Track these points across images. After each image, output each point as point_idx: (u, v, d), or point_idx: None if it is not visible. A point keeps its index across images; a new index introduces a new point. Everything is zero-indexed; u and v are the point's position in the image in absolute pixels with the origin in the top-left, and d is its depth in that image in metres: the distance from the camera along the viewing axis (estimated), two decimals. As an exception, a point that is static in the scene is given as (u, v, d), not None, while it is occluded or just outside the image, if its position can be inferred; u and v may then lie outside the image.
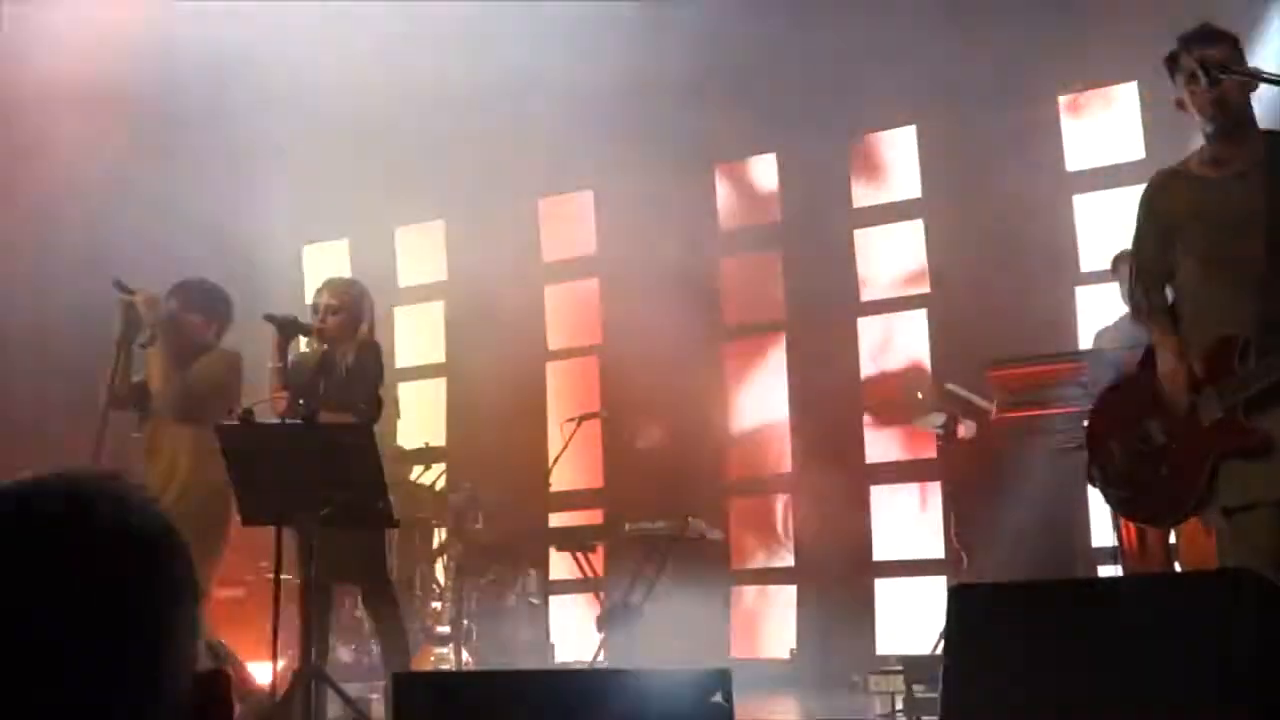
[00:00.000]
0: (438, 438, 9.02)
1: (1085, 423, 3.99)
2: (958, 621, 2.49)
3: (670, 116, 7.96)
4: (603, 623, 7.25)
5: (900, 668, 5.29)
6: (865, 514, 8.04)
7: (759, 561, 8.44)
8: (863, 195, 8.41)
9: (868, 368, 8.23)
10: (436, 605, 7.30)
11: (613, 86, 7.50)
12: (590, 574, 7.63)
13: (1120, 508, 4.01)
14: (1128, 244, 3.87)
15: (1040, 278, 7.38)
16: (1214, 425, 3.41)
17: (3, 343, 7.85)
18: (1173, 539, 5.37)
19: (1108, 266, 6.12)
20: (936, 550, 7.57)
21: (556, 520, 8.79)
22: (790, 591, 8.22)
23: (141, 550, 0.94)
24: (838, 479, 7.96)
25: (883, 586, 7.92)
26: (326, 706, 4.80)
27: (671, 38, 7.53)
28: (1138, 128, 7.42)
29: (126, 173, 7.84)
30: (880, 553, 7.99)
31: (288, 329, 5.07)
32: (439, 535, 7.73)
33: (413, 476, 8.30)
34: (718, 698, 2.35)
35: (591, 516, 8.73)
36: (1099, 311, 6.76)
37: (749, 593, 8.40)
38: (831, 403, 8.12)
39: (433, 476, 8.33)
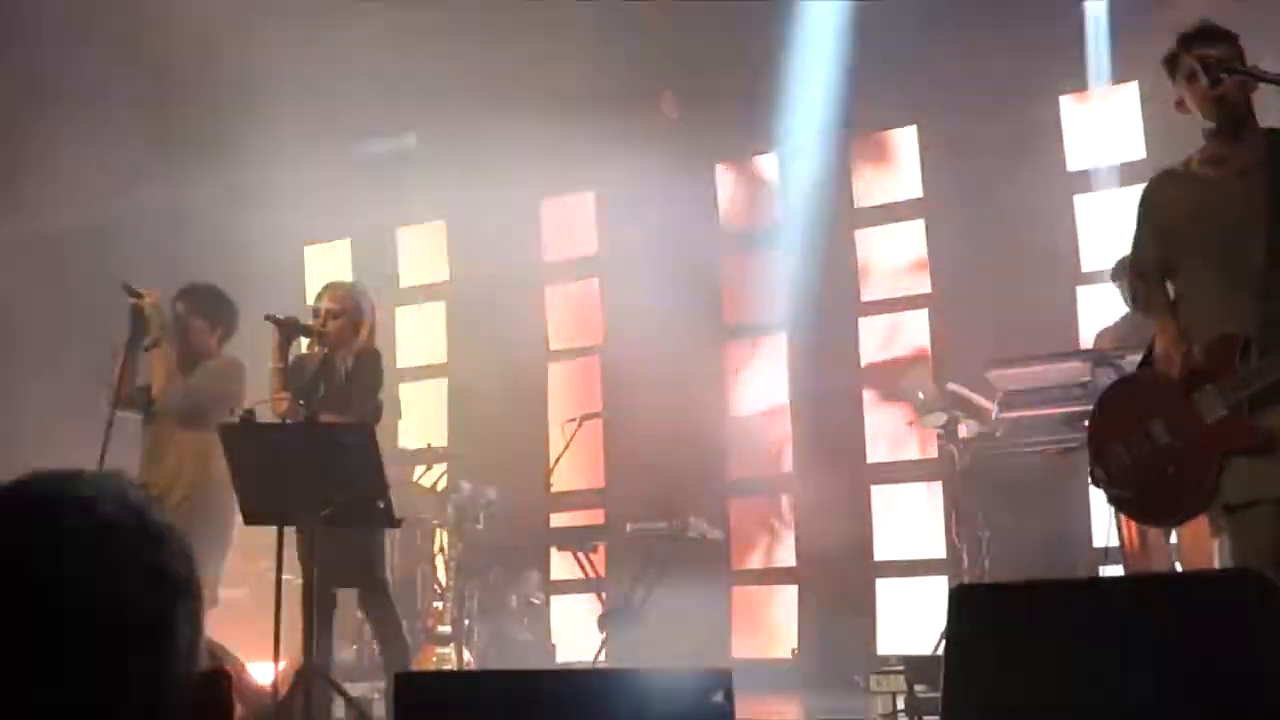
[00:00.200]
0: (439, 438, 9.02)
1: (1086, 423, 3.98)
2: (959, 621, 2.48)
3: (671, 116, 7.96)
4: (604, 623, 7.25)
5: (901, 668, 5.28)
6: (866, 514, 8.04)
7: (760, 561, 8.44)
8: (864, 195, 8.41)
9: (868, 366, 8.22)
10: (438, 605, 7.30)
11: (613, 86, 7.51)
12: (591, 574, 7.63)
13: (1124, 508, 4.01)
14: (1128, 246, 3.87)
15: (1041, 278, 7.37)
16: (1218, 423, 3.41)
17: (10, 345, 7.87)
18: (1173, 539, 5.37)
19: (1108, 266, 6.11)
20: (937, 550, 7.57)
21: (558, 520, 8.80)
22: (791, 591, 8.22)
23: (142, 550, 0.94)
24: (838, 479, 7.96)
25: (884, 586, 7.92)
26: (329, 706, 4.80)
27: (673, 37, 7.54)
28: (1139, 127, 7.41)
29: (128, 174, 7.85)
30: (881, 553, 7.99)
31: (289, 330, 5.08)
32: (440, 535, 7.73)
33: (414, 477, 8.31)
34: (719, 698, 2.35)
35: (592, 516, 8.74)
36: (1099, 311, 6.76)
37: (750, 593, 8.41)
38: (832, 402, 8.11)
39: (434, 477, 8.33)
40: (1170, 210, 3.65)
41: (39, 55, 7.31)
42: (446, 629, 7.09)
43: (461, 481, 7.92)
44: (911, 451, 7.90)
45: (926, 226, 8.15)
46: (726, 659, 7.80)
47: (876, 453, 8.14)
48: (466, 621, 7.08)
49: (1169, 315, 3.65)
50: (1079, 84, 7.63)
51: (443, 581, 7.56)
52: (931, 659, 5.28)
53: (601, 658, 7.08)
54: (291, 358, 5.12)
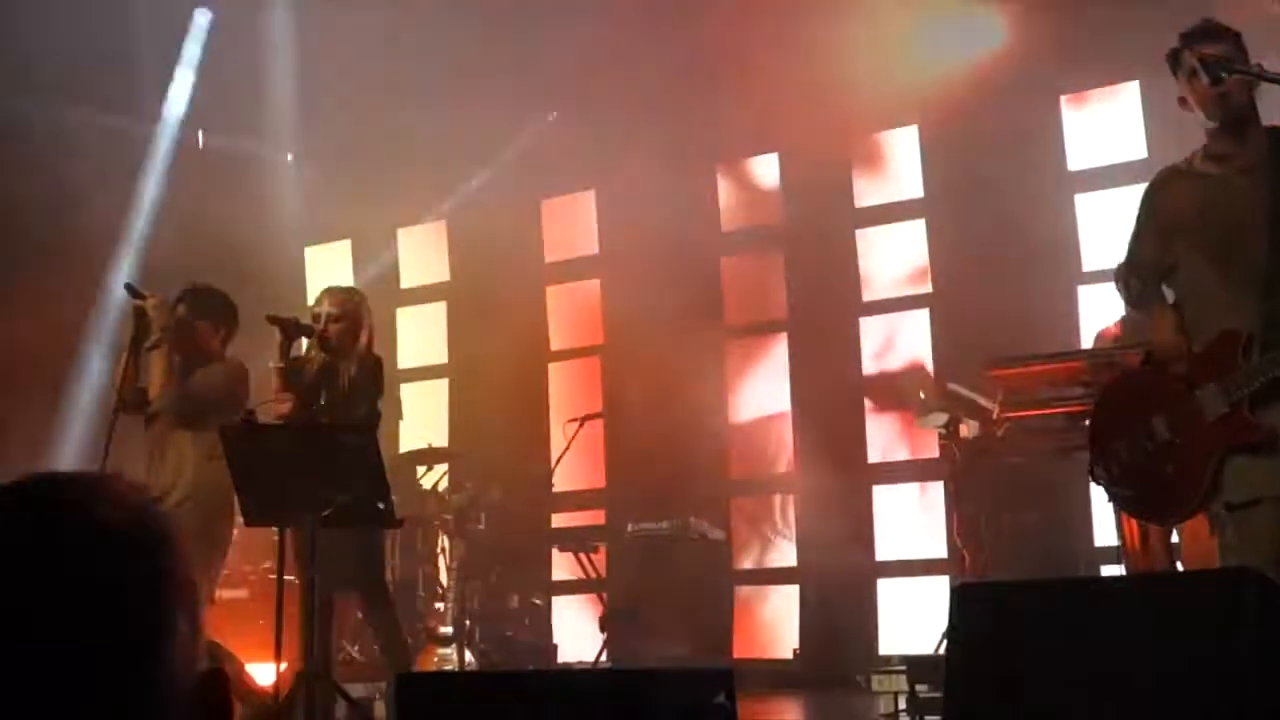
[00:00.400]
0: (440, 438, 9.03)
1: (1087, 422, 3.98)
2: (961, 621, 2.49)
3: (672, 116, 7.96)
4: (605, 623, 7.25)
5: (903, 667, 5.29)
6: (867, 514, 8.03)
7: (761, 561, 8.44)
8: (864, 195, 8.41)
9: (869, 367, 8.22)
10: (439, 606, 7.30)
11: (615, 86, 7.51)
12: (592, 574, 7.63)
13: (1126, 506, 4.00)
14: (1128, 246, 3.86)
15: (1042, 277, 7.37)
16: (1219, 421, 3.41)
17: (12, 345, 7.87)
18: (1175, 538, 5.37)
19: (1109, 265, 6.10)
20: (939, 550, 7.56)
21: (559, 521, 8.80)
22: (792, 591, 8.22)
23: (141, 551, 0.94)
24: (840, 479, 7.96)
25: (885, 586, 7.92)
26: (330, 707, 4.80)
27: (673, 37, 7.54)
28: (1139, 126, 7.41)
29: (129, 175, 7.85)
30: (882, 552, 7.98)
31: (290, 330, 5.08)
32: (441, 536, 7.73)
33: (415, 477, 8.31)
34: (720, 698, 2.35)
35: (594, 517, 8.74)
36: (1100, 311, 6.76)
37: (751, 593, 8.40)
38: (833, 402, 8.11)
39: (435, 477, 8.34)
40: (1173, 207, 3.64)
41: (37, 53, 7.30)
42: (448, 630, 7.09)
43: (463, 482, 7.93)
44: (912, 451, 7.89)
45: (927, 226, 8.15)
46: (727, 659, 7.80)
47: (877, 453, 8.13)
48: (467, 622, 7.08)
49: (1167, 308, 3.65)
50: (1080, 83, 7.62)
51: (444, 582, 7.56)
52: (933, 658, 5.29)
53: (603, 658, 7.08)
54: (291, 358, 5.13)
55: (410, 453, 8.54)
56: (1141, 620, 2.27)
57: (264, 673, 5.04)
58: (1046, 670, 2.29)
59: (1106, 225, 7.29)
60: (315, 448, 4.65)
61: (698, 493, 8.03)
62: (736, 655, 8.01)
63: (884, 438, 8.11)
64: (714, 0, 7.81)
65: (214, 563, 5.15)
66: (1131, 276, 3.79)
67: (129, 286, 5.28)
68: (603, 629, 7.24)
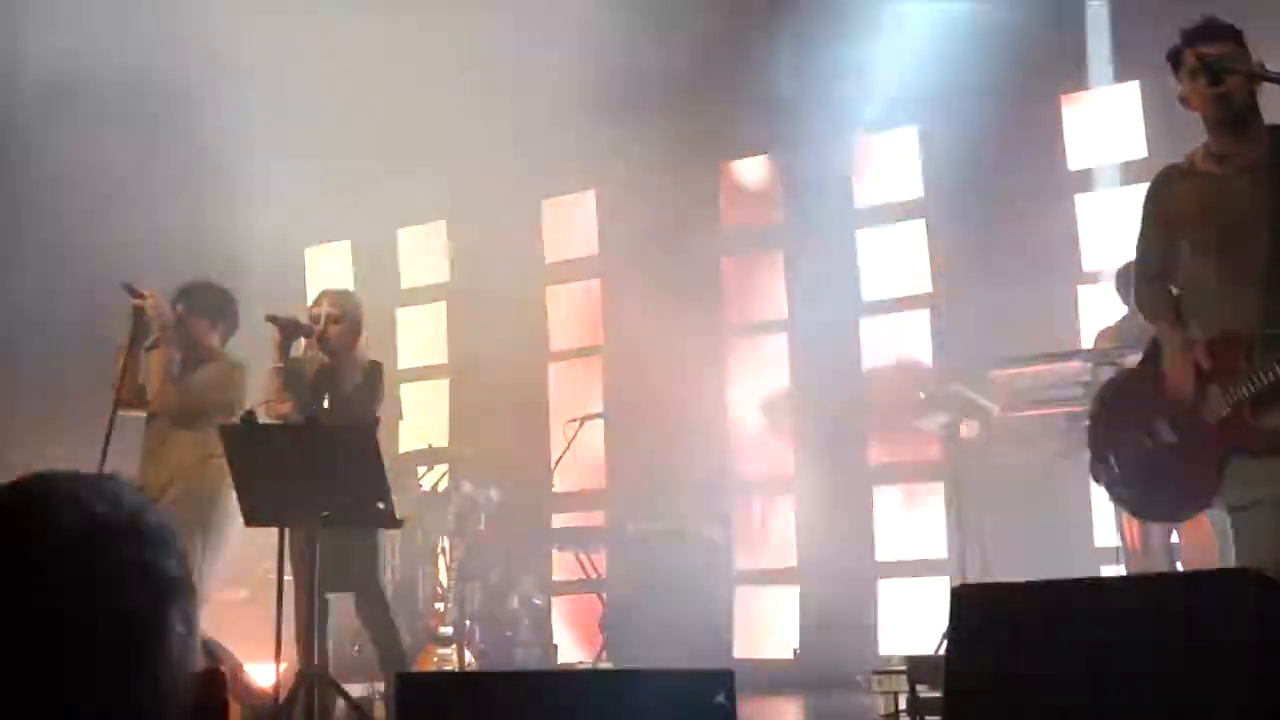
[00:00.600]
0: (440, 439, 9.02)
1: (1088, 422, 3.98)
2: (961, 621, 2.48)
3: (672, 116, 7.96)
4: (605, 623, 7.25)
5: (903, 668, 5.28)
6: (868, 514, 8.03)
7: (761, 562, 8.43)
8: (864, 195, 8.40)
9: (869, 367, 8.22)
10: (439, 606, 7.30)
11: (615, 86, 7.50)
12: (592, 574, 7.63)
13: (1126, 506, 4.00)
14: (1130, 245, 3.86)
15: (1042, 277, 7.37)
16: (1221, 422, 3.40)
17: (11, 345, 7.87)
18: (1175, 538, 5.37)
19: (1109, 266, 6.11)
20: (939, 550, 7.56)
21: (559, 521, 8.79)
22: (793, 592, 8.21)
23: (138, 550, 0.94)
24: (840, 479, 7.96)
25: (885, 587, 7.91)
26: (330, 708, 4.80)
27: (673, 38, 7.53)
28: (1140, 126, 7.41)
29: (129, 176, 7.85)
30: (883, 553, 7.98)
31: (289, 330, 5.08)
32: (441, 536, 7.73)
33: (415, 477, 8.30)
34: (720, 698, 2.35)
35: (594, 517, 8.73)
36: (1100, 311, 6.76)
37: (751, 593, 8.39)
38: (833, 402, 8.11)
39: (435, 477, 8.33)
40: (1175, 206, 3.64)
41: (37, 54, 7.30)
42: (448, 630, 7.09)
43: (463, 482, 7.92)
44: (912, 451, 7.88)
45: (927, 226, 8.15)
46: (727, 659, 7.80)
47: (877, 452, 8.13)
48: (467, 623, 7.08)
49: (1174, 323, 3.63)
50: (1079, 83, 7.62)
51: (444, 583, 7.56)
52: (933, 659, 5.28)
53: (602, 658, 7.07)
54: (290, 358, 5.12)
55: (410, 453, 8.53)
56: (1142, 621, 2.26)
57: (264, 673, 5.04)
58: (1046, 670, 2.29)
59: (1106, 225, 7.29)
60: (315, 448, 4.65)
61: (697, 492, 8.03)
62: (736, 655, 8.00)
63: (884, 438, 8.10)
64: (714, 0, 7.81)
65: (211, 562, 5.14)
66: (1139, 281, 3.78)
67: (126, 285, 5.26)
68: (603, 629, 7.24)
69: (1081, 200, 7.63)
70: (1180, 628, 2.20)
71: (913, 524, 7.89)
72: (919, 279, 8.15)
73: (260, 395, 5.08)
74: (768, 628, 8.24)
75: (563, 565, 8.43)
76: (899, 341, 8.21)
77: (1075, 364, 5.95)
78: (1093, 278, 7.33)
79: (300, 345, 5.29)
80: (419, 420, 9.25)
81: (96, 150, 7.69)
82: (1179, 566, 5.31)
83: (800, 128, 8.23)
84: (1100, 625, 2.30)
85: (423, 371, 9.83)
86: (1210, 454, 3.41)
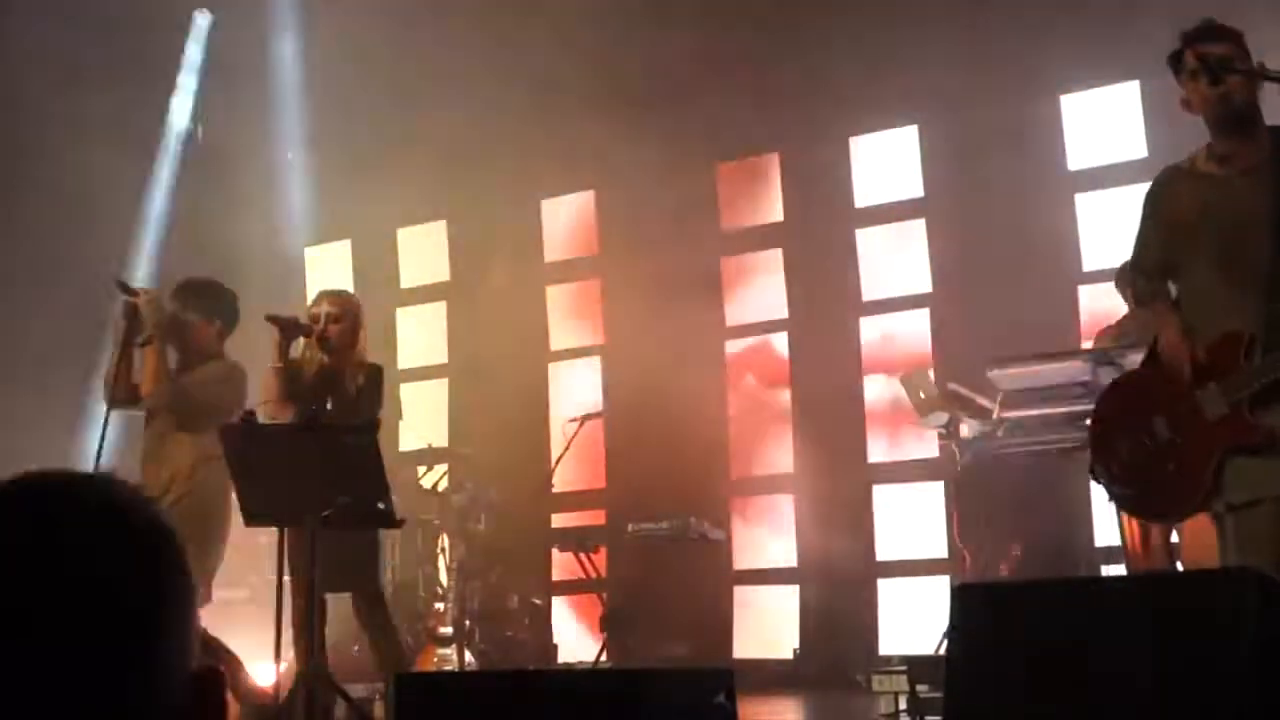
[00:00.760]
0: (440, 439, 9.02)
1: (1089, 421, 3.98)
2: (961, 621, 2.48)
3: (671, 116, 7.96)
4: (605, 623, 7.25)
5: (903, 667, 5.28)
6: (867, 514, 8.03)
7: (761, 561, 8.43)
8: (864, 195, 8.40)
9: (869, 367, 8.22)
10: (439, 606, 7.30)
11: (614, 86, 7.51)
12: (592, 574, 7.62)
13: (1125, 505, 4.00)
14: (1131, 245, 3.86)
15: (1042, 277, 7.37)
16: (1220, 421, 3.41)
17: (6, 344, 7.86)
18: (1175, 538, 5.37)
19: (1109, 265, 6.11)
20: (939, 550, 7.56)
21: (559, 521, 8.79)
22: (793, 591, 8.21)
23: (137, 549, 0.93)
24: (840, 478, 7.96)
25: (885, 586, 7.91)
26: (331, 707, 4.80)
27: (673, 37, 7.54)
28: (1140, 126, 7.41)
29: (128, 175, 7.85)
30: (883, 552, 7.98)
31: (289, 330, 5.06)
32: (441, 536, 7.73)
33: (416, 477, 8.30)
34: (720, 698, 2.35)
35: (594, 517, 8.73)
36: (1100, 311, 6.76)
37: (751, 592, 8.40)
38: (833, 402, 8.11)
39: (435, 477, 8.33)
40: (1176, 207, 3.64)
41: (33, 57, 7.30)
42: (448, 630, 7.09)
43: (462, 482, 7.92)
44: (912, 451, 7.88)
45: (927, 226, 8.15)
46: (727, 659, 7.80)
47: (877, 452, 8.13)
48: (467, 623, 7.08)
49: (1172, 309, 3.64)
50: (1079, 82, 7.62)
51: (444, 583, 7.56)
52: (933, 659, 5.28)
53: (603, 658, 7.07)
54: (291, 358, 5.11)
55: (410, 453, 8.53)
56: (1142, 620, 2.26)
57: (263, 673, 5.04)
58: (1046, 670, 2.29)
59: (1106, 225, 7.29)
60: (315, 448, 4.64)
61: (698, 493, 8.03)
62: (736, 655, 8.01)
63: (884, 437, 8.10)
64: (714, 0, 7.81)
65: (211, 562, 5.14)
66: (1138, 276, 3.79)
67: (120, 283, 5.23)
68: (603, 629, 7.24)
69: (1081, 200, 7.63)
70: (1180, 628, 2.20)
71: (912, 524, 7.89)
72: (919, 278, 8.15)
73: (261, 395, 5.06)
74: (768, 627, 8.24)
75: (563, 565, 8.43)
76: (899, 341, 8.21)
77: (1075, 363, 5.95)
78: (1093, 277, 7.33)
79: (300, 345, 5.28)
80: (419, 420, 9.25)
81: (96, 149, 7.70)
82: (1179, 566, 5.31)
83: (800, 127, 8.23)
84: (1100, 625, 2.30)
85: (422, 371, 9.83)
86: (1210, 453, 3.41)
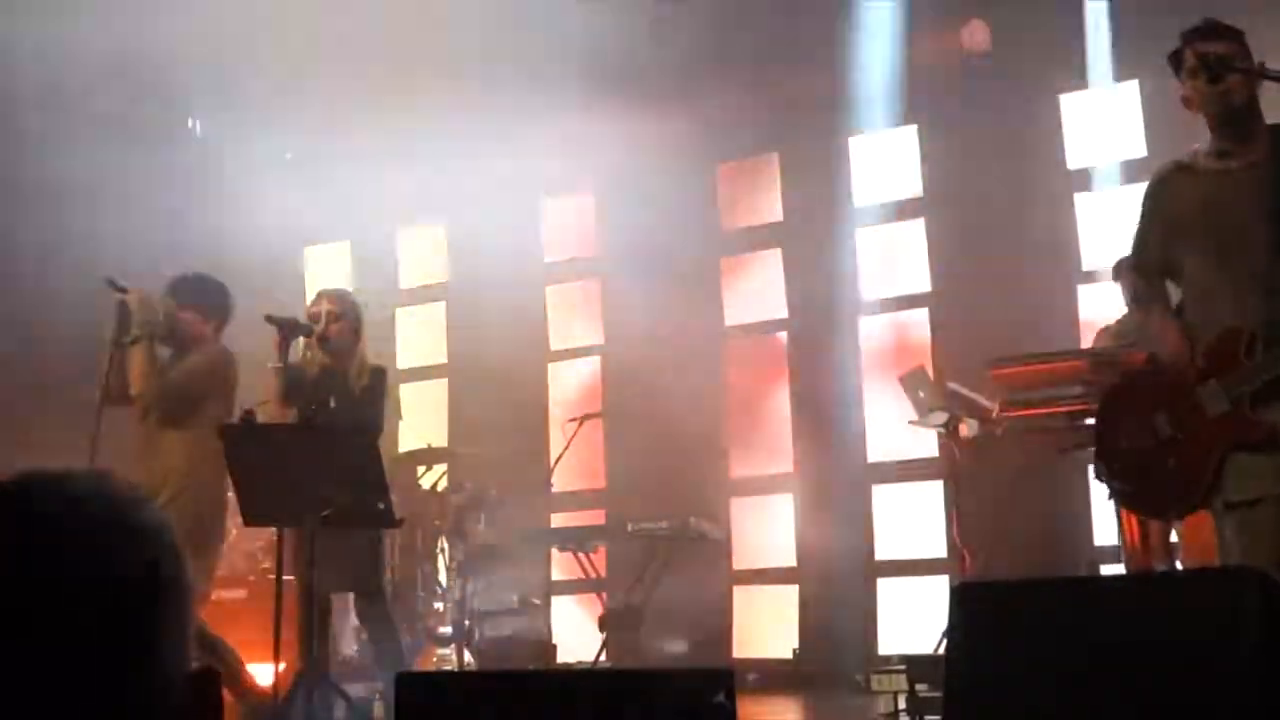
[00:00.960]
0: (439, 438, 9.02)
1: (1090, 420, 3.98)
2: (961, 620, 2.48)
3: (671, 115, 7.96)
4: (605, 623, 7.25)
5: (903, 667, 5.28)
6: (867, 513, 8.03)
7: (761, 561, 8.43)
8: (864, 194, 8.40)
9: (868, 367, 8.22)
10: (439, 606, 7.30)
11: (614, 85, 7.50)
12: (592, 574, 7.62)
13: (1126, 501, 4.00)
14: (1130, 244, 3.86)
15: (1041, 276, 7.37)
16: (1220, 418, 3.41)
17: (6, 342, 7.86)
18: (1174, 537, 5.37)
19: (1109, 265, 6.11)
20: (939, 550, 7.56)
21: (558, 520, 8.78)
22: (792, 591, 8.21)
23: (134, 549, 0.93)
24: (839, 478, 7.96)
25: (885, 586, 7.91)
26: (330, 707, 4.80)
27: (674, 37, 7.53)
28: (1139, 125, 7.40)
29: (126, 174, 7.84)
30: (882, 552, 7.98)
31: (289, 330, 5.06)
32: (441, 536, 7.73)
33: (415, 477, 8.30)
34: (720, 698, 2.35)
35: (593, 516, 8.73)
36: (1100, 310, 6.76)
37: (750, 592, 8.40)
38: (833, 402, 8.11)
39: (435, 477, 8.33)
40: (1176, 202, 3.64)
41: (32, 55, 7.29)
42: (447, 630, 7.09)
43: (462, 482, 7.92)
44: (912, 451, 7.88)
45: (927, 225, 8.14)
46: (727, 659, 7.80)
47: (877, 452, 8.12)
48: (467, 622, 7.07)
49: (1170, 316, 3.64)
50: (1079, 82, 7.62)
51: (443, 582, 7.56)
52: (933, 658, 5.28)
53: (602, 658, 7.07)
54: (291, 359, 5.10)
55: (409, 452, 8.52)
56: (1142, 619, 2.26)
57: (263, 673, 5.03)
58: (1046, 670, 2.29)
59: (1106, 224, 7.29)
60: (315, 448, 4.64)
61: (697, 492, 8.03)
62: (736, 655, 8.01)
63: (883, 437, 8.10)
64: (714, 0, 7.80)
65: (208, 560, 5.13)
66: (1136, 274, 3.79)
67: (110, 280, 5.22)
68: (602, 629, 7.24)
69: (1081, 199, 7.63)
70: (1180, 627, 2.20)
71: (912, 523, 7.88)
72: (918, 278, 8.15)
73: (259, 397, 5.06)
74: (767, 627, 8.24)
75: (562, 565, 8.43)
76: (899, 341, 8.21)
77: (1074, 363, 5.95)
78: (1092, 277, 7.33)
79: (300, 346, 5.28)
80: (418, 420, 9.24)
81: (94, 147, 7.69)
82: (1179, 565, 5.32)
83: (799, 127, 8.23)
84: (1100, 624, 2.30)
85: (422, 371, 9.83)
86: (1211, 450, 3.41)
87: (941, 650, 4.80)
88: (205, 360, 5.29)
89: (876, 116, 8.16)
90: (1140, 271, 3.77)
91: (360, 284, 8.65)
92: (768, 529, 8.43)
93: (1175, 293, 3.72)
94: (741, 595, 8.37)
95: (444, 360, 9.81)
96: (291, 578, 4.93)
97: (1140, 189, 3.84)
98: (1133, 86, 7.45)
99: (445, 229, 9.86)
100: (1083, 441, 5.01)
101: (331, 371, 5.17)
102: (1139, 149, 7.35)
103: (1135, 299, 3.89)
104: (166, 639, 0.93)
